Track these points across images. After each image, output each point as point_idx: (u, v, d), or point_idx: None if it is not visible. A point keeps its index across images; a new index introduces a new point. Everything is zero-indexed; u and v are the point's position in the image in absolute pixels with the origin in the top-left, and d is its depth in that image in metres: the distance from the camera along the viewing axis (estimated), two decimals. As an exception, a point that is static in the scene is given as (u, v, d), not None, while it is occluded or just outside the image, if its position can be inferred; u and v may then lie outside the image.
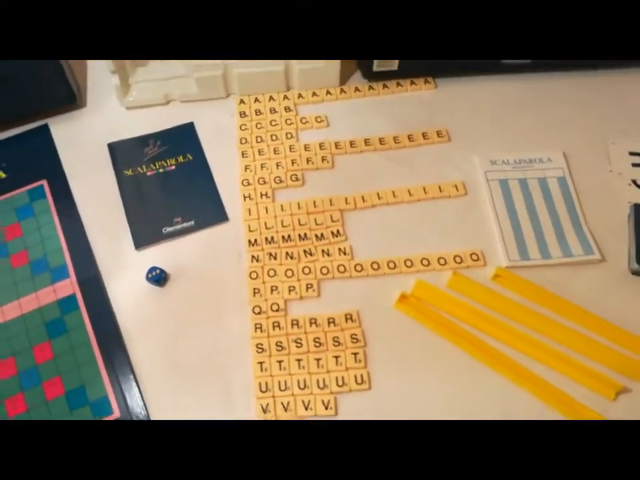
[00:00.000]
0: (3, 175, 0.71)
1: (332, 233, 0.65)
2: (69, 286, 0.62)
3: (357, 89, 0.76)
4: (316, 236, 0.65)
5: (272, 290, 0.62)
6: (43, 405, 0.56)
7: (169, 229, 0.65)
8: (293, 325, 0.59)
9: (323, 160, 0.70)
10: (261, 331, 0.59)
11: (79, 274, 0.63)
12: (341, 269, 0.62)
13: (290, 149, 0.71)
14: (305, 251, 0.64)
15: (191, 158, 0.71)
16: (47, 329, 0.60)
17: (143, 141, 0.73)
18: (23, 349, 0.59)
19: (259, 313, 0.60)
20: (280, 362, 0.57)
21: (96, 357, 0.58)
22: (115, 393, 0.56)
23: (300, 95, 0.75)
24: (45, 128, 0.74)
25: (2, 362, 0.58)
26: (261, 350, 0.58)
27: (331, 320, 0.59)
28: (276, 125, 0.73)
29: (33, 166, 0.72)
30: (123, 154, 0.71)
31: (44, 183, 0.70)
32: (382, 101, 0.76)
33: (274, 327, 0.59)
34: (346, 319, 0.59)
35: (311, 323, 0.59)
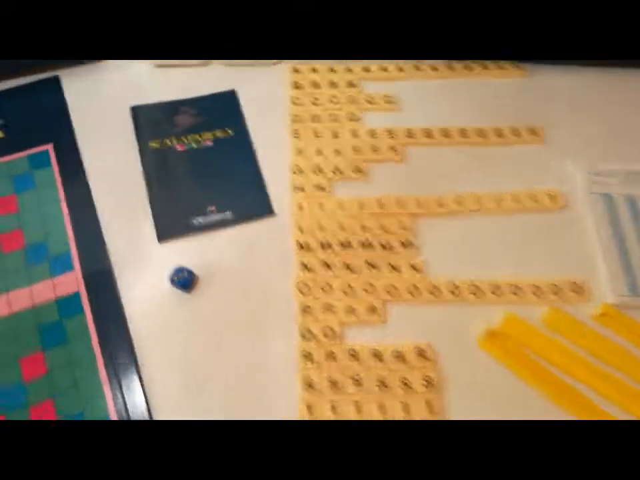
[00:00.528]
0: (1, 135, 0.57)
1: (401, 242, 0.52)
2: (72, 281, 0.49)
3: (434, 68, 0.63)
4: (381, 245, 0.52)
5: (325, 309, 0.49)
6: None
7: (200, 220, 0.53)
8: (350, 357, 0.47)
9: (391, 150, 0.57)
10: (311, 362, 0.47)
11: (86, 267, 0.50)
12: (412, 289, 0.50)
13: (352, 133, 0.58)
14: (367, 263, 0.51)
15: (231, 133, 0.57)
16: (40, 336, 0.47)
17: (173, 107, 0.59)
18: (7, 360, 0.46)
19: (309, 339, 0.47)
20: (333, 406, 0.45)
21: (100, 376, 0.46)
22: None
23: (366, 69, 0.62)
24: (55, 81, 0.61)
25: None
26: (309, 387, 0.46)
27: (398, 354, 0.47)
28: (336, 102, 0.60)
29: (37, 126, 0.59)
30: (149, 121, 0.58)
31: (49, 147, 0.57)
32: (463, 84, 0.62)
33: (327, 357, 0.47)
34: (417, 355, 0.47)
35: (373, 357, 0.47)
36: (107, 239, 0.52)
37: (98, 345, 0.47)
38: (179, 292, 0.50)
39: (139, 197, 0.54)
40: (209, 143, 0.57)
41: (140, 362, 0.47)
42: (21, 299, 0.49)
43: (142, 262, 0.51)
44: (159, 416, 0.45)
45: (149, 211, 0.54)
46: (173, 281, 0.49)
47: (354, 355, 0.47)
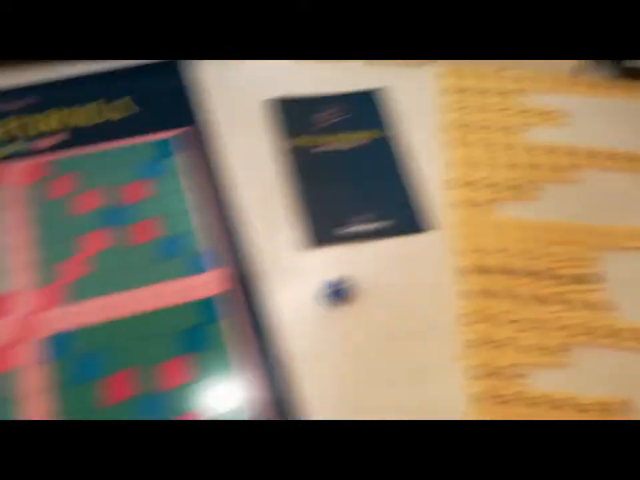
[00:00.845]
0: (134, 109, 0.52)
1: (578, 275, 0.45)
2: (210, 284, 0.44)
3: (593, 84, 0.56)
4: (555, 276, 0.45)
5: (495, 346, 0.42)
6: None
7: (351, 229, 0.47)
8: (528, 404, 0.40)
9: (561, 170, 0.50)
10: (482, 407, 0.40)
11: (227, 269, 0.45)
12: (594, 330, 0.43)
13: (513, 147, 0.52)
14: (536, 297, 0.44)
15: (378, 136, 0.51)
16: (179, 339, 0.41)
17: (315, 103, 0.54)
18: (143, 365, 0.41)
19: (478, 379, 0.41)
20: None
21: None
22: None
23: (527, 78, 0.56)
24: (183, 63, 0.55)
25: (106, 380, 0.40)
26: (483, 435, 0.38)
27: (583, 408, 0.40)
28: (491, 111, 0.54)
29: (165, 109, 0.53)
30: (289, 116, 0.53)
31: (178, 134, 0.51)
32: (628, 106, 0.55)
33: (502, 402, 0.40)
34: (603, 411, 0.40)
35: (554, 407, 0.40)
36: (246, 240, 0.46)
37: (240, 355, 0.41)
38: (326, 304, 0.44)
39: (280, 197, 0.49)
40: (356, 145, 0.51)
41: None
42: (153, 297, 0.43)
43: (287, 269, 0.45)
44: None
45: (291, 214, 0.47)
46: (327, 294, 0.43)
47: (533, 402, 0.40)
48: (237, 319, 0.42)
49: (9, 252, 0.45)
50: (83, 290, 0.43)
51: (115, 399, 0.39)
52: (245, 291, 0.44)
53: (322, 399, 0.41)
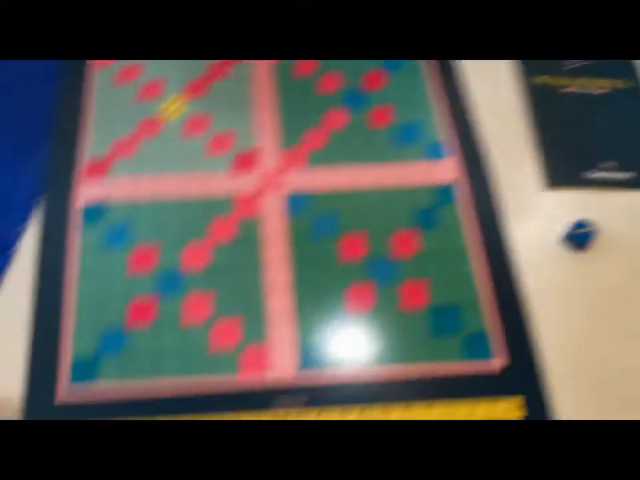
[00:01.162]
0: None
1: None
2: (446, 170, 0.44)
3: None
4: None
5: None
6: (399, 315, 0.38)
7: (596, 175, 0.44)
8: None
9: None
10: None
11: (460, 159, 0.44)
12: None
13: None
14: None
15: (628, 87, 0.49)
16: (415, 215, 0.42)
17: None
18: (378, 234, 0.41)
19: None
20: None
21: (472, 275, 0.40)
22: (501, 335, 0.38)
23: None
24: None
25: (340, 240, 0.40)
26: None
27: None
28: None
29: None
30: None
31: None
32: None
33: None
34: None
35: None
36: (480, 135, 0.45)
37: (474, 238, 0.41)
38: (567, 246, 0.41)
39: (520, 130, 0.47)
40: (604, 91, 0.49)
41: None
42: (390, 175, 0.44)
43: (524, 202, 0.44)
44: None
45: (532, 151, 0.46)
46: (568, 236, 0.41)
47: None
48: (469, 205, 0.42)
49: (255, 114, 0.45)
50: (324, 158, 0.43)
51: (348, 257, 0.39)
52: (478, 181, 0.43)
53: (553, 336, 0.39)
